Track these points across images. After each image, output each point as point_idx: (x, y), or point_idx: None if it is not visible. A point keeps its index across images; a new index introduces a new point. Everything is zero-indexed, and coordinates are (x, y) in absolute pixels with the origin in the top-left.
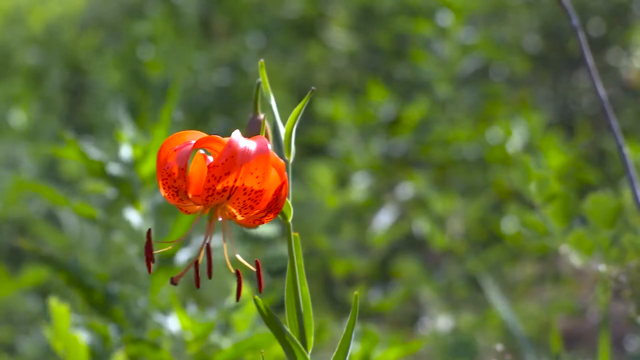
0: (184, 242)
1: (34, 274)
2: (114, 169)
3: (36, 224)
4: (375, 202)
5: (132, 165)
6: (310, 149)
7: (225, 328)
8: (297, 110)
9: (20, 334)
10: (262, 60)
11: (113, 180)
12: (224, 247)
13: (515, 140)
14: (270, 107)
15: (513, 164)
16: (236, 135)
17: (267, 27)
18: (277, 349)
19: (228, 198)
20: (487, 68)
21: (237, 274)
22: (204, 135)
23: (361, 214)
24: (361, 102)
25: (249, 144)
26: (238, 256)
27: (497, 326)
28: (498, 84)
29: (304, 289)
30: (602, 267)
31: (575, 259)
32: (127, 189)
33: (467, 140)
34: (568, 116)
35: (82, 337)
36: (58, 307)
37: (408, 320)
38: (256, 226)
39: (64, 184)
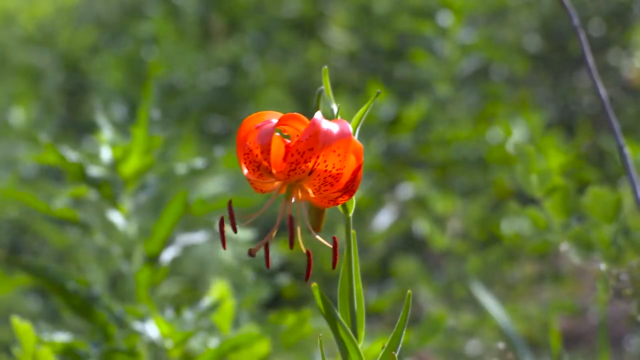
0: (169, 242)
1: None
2: (93, 171)
3: (37, 223)
4: (375, 202)
5: (113, 166)
6: None
7: (209, 329)
8: (362, 112)
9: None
10: (325, 67)
11: (93, 182)
12: (298, 230)
13: (515, 140)
14: (331, 111)
15: (517, 158)
16: (319, 115)
17: (267, 27)
18: (259, 348)
19: (309, 174)
20: (487, 68)
21: (308, 254)
22: (281, 114)
23: (361, 214)
24: (361, 102)
25: (332, 125)
26: (318, 237)
27: (497, 326)
28: (498, 84)
29: (358, 285)
30: (602, 266)
31: (575, 256)
32: (107, 190)
33: (467, 140)
34: (568, 116)
35: (58, 347)
36: (21, 326)
37: (408, 320)
38: (329, 207)
39: (66, 183)
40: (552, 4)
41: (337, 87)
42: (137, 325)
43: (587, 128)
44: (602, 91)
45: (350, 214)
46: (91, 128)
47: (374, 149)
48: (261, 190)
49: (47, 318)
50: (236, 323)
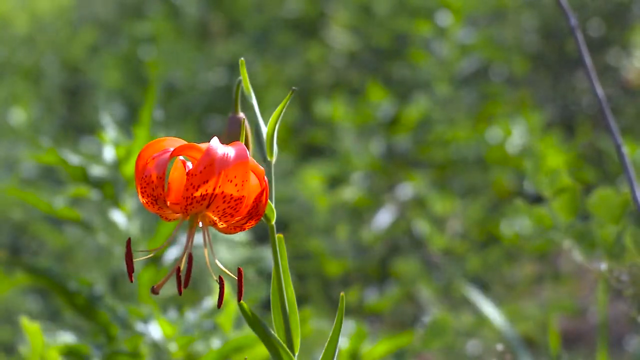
0: (171, 242)
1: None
2: (96, 171)
3: (36, 224)
4: (374, 202)
5: (116, 166)
6: (310, 150)
7: (211, 329)
8: (279, 110)
9: (20, 334)
10: (242, 58)
11: (95, 182)
12: (205, 254)
13: (515, 140)
14: (252, 107)
15: (526, 157)
16: (214, 142)
17: (266, 27)
18: (262, 350)
19: (207, 206)
20: (487, 68)
21: (220, 280)
22: (182, 142)
23: (360, 214)
24: (360, 102)
25: (228, 151)
26: (218, 263)
27: (497, 327)
28: (497, 84)
29: (289, 291)
30: (603, 266)
31: (578, 255)
32: (110, 190)
33: (466, 140)
34: (568, 116)
35: (62, 348)
36: (30, 327)
37: (407, 320)
38: (237, 232)
39: (66, 183)
40: (552, 4)
41: (337, 87)
42: (140, 326)
43: (586, 128)
44: (600, 90)
45: (273, 222)
46: (91, 128)
47: (373, 149)
48: (167, 219)
49: (47, 318)
50: (238, 323)
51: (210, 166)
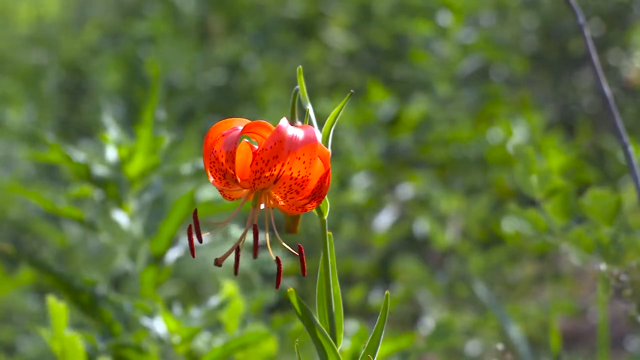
0: (173, 242)
1: (30, 273)
2: (99, 170)
3: (36, 223)
4: (375, 202)
5: (118, 166)
6: None
7: (215, 327)
8: (335, 113)
9: (20, 334)
10: (300, 67)
11: (98, 182)
12: (267, 237)
13: (516, 140)
14: (307, 112)
15: (516, 158)
16: (284, 122)
17: (266, 27)
18: (266, 347)
19: (275, 182)
20: (487, 68)
21: (278, 261)
22: (249, 121)
23: (362, 214)
24: (361, 102)
25: (297, 131)
26: (284, 244)
27: (497, 326)
28: (498, 84)
29: (335, 288)
30: (602, 266)
31: (575, 258)
32: (113, 190)
33: (467, 140)
34: (568, 116)
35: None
36: (56, 306)
37: (408, 320)
38: (298, 213)
39: (64, 183)
40: (552, 4)
41: (337, 87)
42: (145, 321)
43: (587, 128)
44: (606, 89)
45: (325, 217)
46: (90, 128)
47: (374, 149)
48: (230, 197)
49: (47, 318)
50: (243, 324)
51: (281, 142)
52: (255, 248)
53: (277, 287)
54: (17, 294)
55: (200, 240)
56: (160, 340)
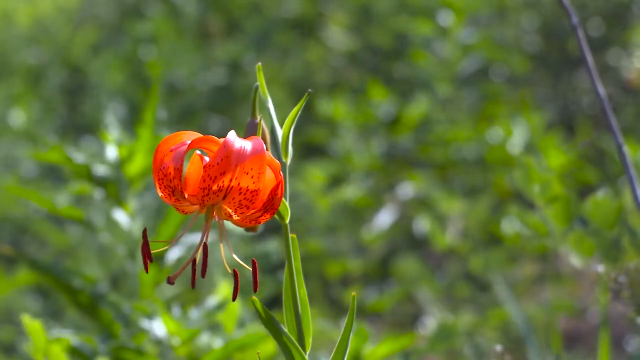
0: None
1: (29, 273)
2: (99, 170)
3: (37, 223)
4: (375, 202)
5: (119, 165)
6: (311, 149)
7: (214, 328)
8: (294, 113)
9: (20, 334)
10: (260, 63)
11: (99, 181)
12: (221, 247)
13: (516, 140)
14: (267, 109)
15: (515, 165)
16: (232, 135)
17: (266, 27)
18: (266, 348)
19: (224, 198)
20: (487, 68)
21: (235, 274)
22: (199, 135)
23: (361, 214)
24: (361, 101)
25: (245, 144)
26: (235, 256)
27: (497, 326)
28: (498, 84)
29: (301, 291)
30: (601, 268)
31: (575, 260)
32: (113, 189)
33: (467, 140)
34: (568, 116)
35: (65, 345)
36: (31, 324)
37: (408, 320)
38: (253, 226)
39: (67, 182)
40: (552, 4)
41: (337, 86)
42: (144, 323)
43: (587, 128)
44: (601, 89)
45: (287, 221)
46: (91, 128)
47: (374, 149)
48: (183, 211)
49: (47, 318)
50: (241, 322)
51: (228, 158)
52: (204, 267)
53: (233, 299)
54: (17, 294)
55: (151, 260)
56: (159, 342)
